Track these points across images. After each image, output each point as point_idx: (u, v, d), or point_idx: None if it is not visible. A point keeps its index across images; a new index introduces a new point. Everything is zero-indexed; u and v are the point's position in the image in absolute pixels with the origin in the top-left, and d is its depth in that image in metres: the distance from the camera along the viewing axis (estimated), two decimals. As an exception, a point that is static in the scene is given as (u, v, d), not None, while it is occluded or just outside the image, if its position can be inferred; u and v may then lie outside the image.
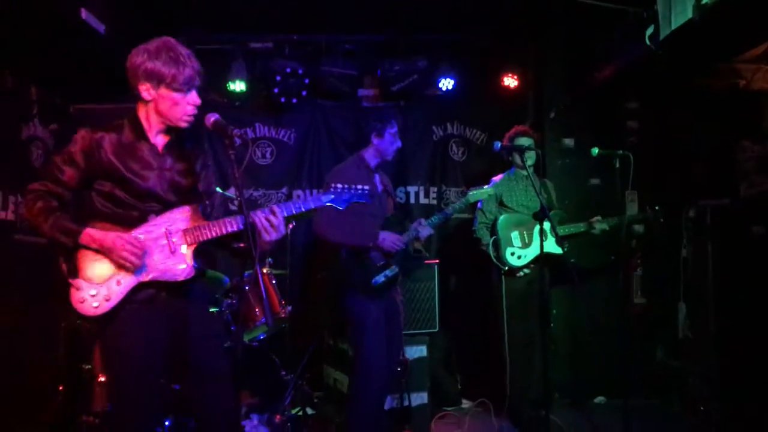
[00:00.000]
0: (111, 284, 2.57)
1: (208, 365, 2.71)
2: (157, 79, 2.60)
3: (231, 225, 2.65)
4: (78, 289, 2.55)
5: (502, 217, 4.85)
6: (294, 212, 2.71)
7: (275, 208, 2.65)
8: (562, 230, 4.82)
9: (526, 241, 4.82)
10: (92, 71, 5.11)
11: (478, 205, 4.96)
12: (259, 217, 2.62)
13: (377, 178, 4.21)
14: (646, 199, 5.78)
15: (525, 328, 4.80)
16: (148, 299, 2.63)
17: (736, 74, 5.58)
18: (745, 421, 4.64)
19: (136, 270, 2.58)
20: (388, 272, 4.04)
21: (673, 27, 4.08)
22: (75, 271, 2.57)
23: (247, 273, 4.42)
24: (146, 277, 2.61)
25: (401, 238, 4.07)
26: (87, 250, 2.57)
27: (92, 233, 2.56)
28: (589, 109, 5.88)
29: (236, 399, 2.98)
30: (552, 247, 4.66)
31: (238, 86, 5.59)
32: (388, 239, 4.01)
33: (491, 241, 4.85)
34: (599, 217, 4.83)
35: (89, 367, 4.08)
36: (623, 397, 4.34)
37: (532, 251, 4.77)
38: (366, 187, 2.87)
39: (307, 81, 5.64)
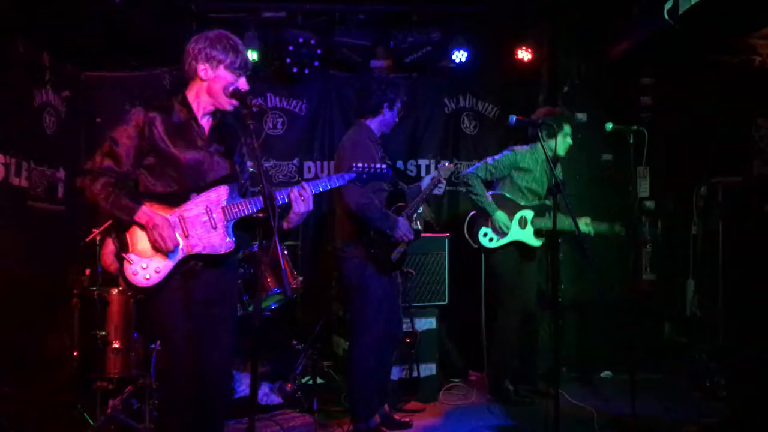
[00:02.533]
0: (159, 257, 2.77)
1: (222, 334, 2.98)
2: (216, 61, 2.82)
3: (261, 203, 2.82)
4: (130, 262, 2.75)
5: (486, 195, 4.84)
6: (321, 190, 2.94)
7: (305, 185, 2.88)
8: (544, 223, 4.81)
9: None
10: (105, 39, 5.09)
11: (488, 159, 4.92)
12: (294, 191, 2.85)
13: (380, 150, 4.20)
14: (658, 175, 5.78)
15: (519, 304, 4.86)
16: (190, 270, 2.85)
17: (753, 51, 5.53)
18: (751, 397, 4.68)
19: (170, 251, 2.77)
20: (400, 248, 4.09)
21: (693, 1, 4.03)
22: (126, 246, 2.77)
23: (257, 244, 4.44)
24: (191, 251, 2.81)
25: (411, 230, 4.10)
26: (139, 228, 2.76)
27: (146, 210, 2.74)
28: (602, 84, 5.83)
29: (232, 363, 3.36)
30: (528, 237, 4.80)
31: (250, 56, 5.48)
32: (403, 228, 4.03)
33: (468, 216, 4.93)
34: (586, 219, 4.80)
35: (103, 333, 4.12)
36: (630, 372, 4.37)
37: (506, 238, 4.82)
38: (384, 166, 3.04)
39: (319, 51, 5.59)
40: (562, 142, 4.79)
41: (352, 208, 3.96)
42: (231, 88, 2.80)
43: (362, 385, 4.07)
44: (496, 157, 4.91)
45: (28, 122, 4.85)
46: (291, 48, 5.54)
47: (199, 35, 2.87)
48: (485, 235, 4.84)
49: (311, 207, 2.88)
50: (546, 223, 4.79)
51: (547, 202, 4.86)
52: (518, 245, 4.85)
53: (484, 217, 4.85)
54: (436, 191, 4.30)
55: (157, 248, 2.75)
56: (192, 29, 5.47)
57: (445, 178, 4.27)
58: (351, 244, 4.06)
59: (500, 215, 4.76)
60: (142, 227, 2.75)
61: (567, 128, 4.82)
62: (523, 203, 4.87)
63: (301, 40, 5.52)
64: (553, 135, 4.65)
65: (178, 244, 2.77)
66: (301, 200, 2.84)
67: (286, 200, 2.84)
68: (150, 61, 5.64)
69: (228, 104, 2.86)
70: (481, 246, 4.86)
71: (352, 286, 4.10)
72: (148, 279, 2.75)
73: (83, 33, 4.97)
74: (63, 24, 4.73)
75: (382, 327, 4.07)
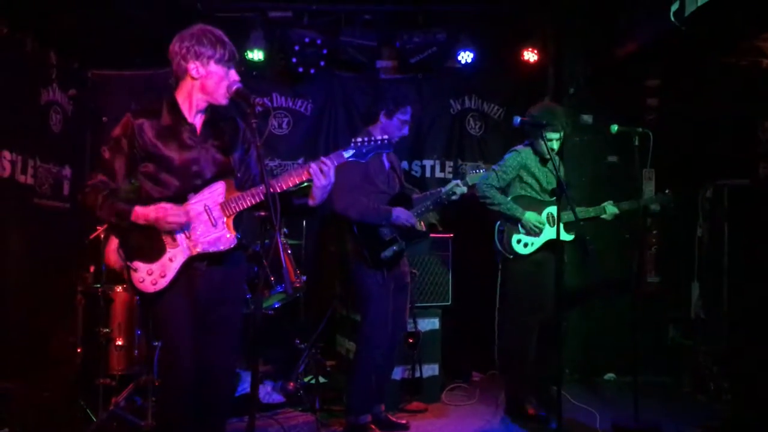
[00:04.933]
0: (164, 261, 2.81)
1: (225, 335, 3.00)
2: (206, 57, 2.82)
3: (262, 193, 2.83)
4: (136, 270, 2.80)
5: (508, 200, 4.57)
6: (328, 165, 2.89)
7: (324, 159, 2.88)
8: (570, 216, 4.52)
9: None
10: (111, 38, 5.12)
11: (493, 166, 4.67)
12: (312, 166, 2.86)
13: (384, 155, 4.21)
14: (663, 177, 5.75)
15: (530, 313, 4.50)
16: (195, 271, 2.86)
17: (759, 53, 5.50)
18: (755, 401, 4.66)
19: (181, 234, 2.81)
20: (395, 247, 4.10)
21: (700, 3, 4.02)
22: (131, 254, 2.82)
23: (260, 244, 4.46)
24: (195, 251, 2.83)
25: (412, 215, 4.12)
26: (140, 235, 2.80)
27: (139, 210, 2.78)
28: (608, 86, 5.82)
29: (235, 363, 3.32)
30: (561, 233, 4.59)
31: (256, 55, 5.56)
32: (402, 216, 4.07)
33: (496, 227, 4.60)
34: (611, 202, 4.61)
35: (107, 330, 4.14)
36: (633, 375, 4.36)
37: (540, 238, 4.52)
38: (386, 137, 3.06)
39: (325, 51, 5.61)
40: (543, 149, 4.50)
41: (337, 212, 4.02)
42: (234, 88, 2.81)
43: (360, 380, 4.10)
44: (501, 162, 4.68)
45: (35, 120, 4.88)
46: (297, 48, 5.55)
47: (180, 34, 2.86)
48: (519, 242, 4.50)
49: (332, 179, 2.88)
50: (572, 215, 4.51)
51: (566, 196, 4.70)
52: (549, 245, 4.54)
53: (512, 224, 4.53)
54: (455, 197, 4.26)
55: (174, 231, 2.79)
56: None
57: (470, 184, 4.30)
58: (347, 243, 4.10)
59: (530, 215, 4.49)
60: (143, 230, 2.79)
61: (547, 136, 4.47)
62: (544, 199, 4.63)
63: (307, 39, 5.53)
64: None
65: (187, 220, 2.79)
66: (321, 174, 2.85)
67: (305, 177, 2.86)
68: (156, 61, 5.61)
69: (224, 98, 2.87)
70: (517, 255, 4.51)
71: (353, 285, 4.16)
72: (155, 285, 2.79)
73: (90, 32, 4.99)
74: (70, 22, 4.76)
75: (385, 326, 4.09)
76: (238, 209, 2.86)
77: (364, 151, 2.98)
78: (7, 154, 4.46)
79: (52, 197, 5.04)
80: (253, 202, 2.86)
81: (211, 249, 2.85)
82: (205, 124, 2.95)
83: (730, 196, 5.25)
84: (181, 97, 2.91)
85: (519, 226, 4.52)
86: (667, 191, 4.74)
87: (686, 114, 5.79)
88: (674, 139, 5.57)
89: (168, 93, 2.93)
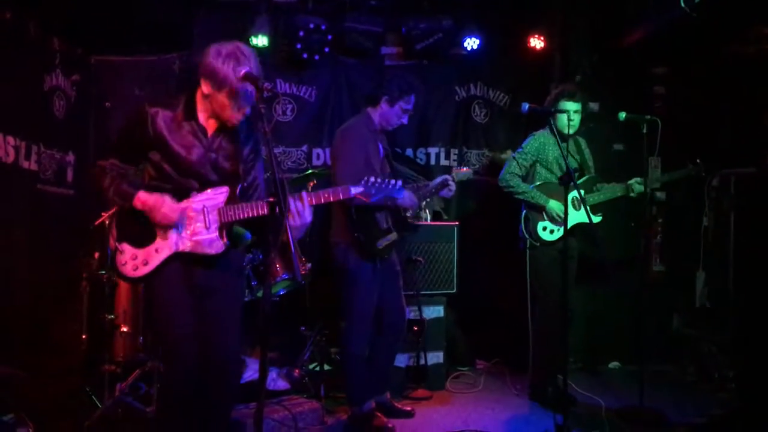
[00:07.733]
0: (150, 251, 2.85)
1: (224, 321, 3.00)
2: (218, 84, 2.75)
3: (263, 208, 2.80)
4: (122, 252, 2.86)
5: (532, 188, 4.59)
6: (322, 201, 2.83)
7: (303, 195, 2.75)
8: (596, 197, 4.61)
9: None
10: (114, 23, 5.09)
11: (512, 154, 4.71)
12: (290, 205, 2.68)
13: (379, 143, 4.19)
14: (669, 165, 5.72)
15: (556, 299, 4.39)
16: (182, 265, 2.88)
17: (767, 40, 5.46)
18: (759, 390, 4.66)
19: (173, 229, 2.83)
20: (389, 237, 4.08)
21: (710, -11, 3.99)
22: (122, 236, 2.88)
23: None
24: (182, 248, 2.85)
25: (417, 199, 4.15)
26: (135, 219, 2.83)
27: (142, 195, 2.81)
28: (615, 73, 5.78)
29: (238, 350, 3.23)
30: (584, 216, 4.52)
31: (260, 41, 5.50)
32: (408, 198, 4.07)
33: (523, 215, 4.61)
34: (637, 179, 4.59)
35: (111, 317, 4.14)
36: (638, 364, 4.36)
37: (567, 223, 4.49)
38: (399, 182, 2.88)
39: (330, 37, 5.55)
40: (563, 123, 4.49)
41: None
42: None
43: (352, 370, 4.11)
44: (519, 149, 4.69)
45: (38, 106, 4.85)
46: (301, 33, 5.50)
47: (214, 46, 2.77)
48: (545, 228, 4.54)
49: (308, 220, 2.76)
50: (599, 196, 4.62)
51: (592, 176, 4.71)
52: (575, 229, 4.60)
53: (536, 211, 4.57)
54: (444, 193, 4.36)
55: (163, 226, 2.81)
56: (200, 15, 5.47)
57: (456, 182, 4.35)
58: (339, 228, 4.08)
59: (553, 204, 4.51)
60: (139, 216, 2.82)
61: (564, 105, 4.52)
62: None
63: (311, 25, 5.47)
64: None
65: (178, 220, 2.80)
66: (296, 215, 2.72)
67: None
68: (160, 47, 5.61)
69: (229, 122, 2.85)
70: (543, 241, 4.53)
71: (339, 272, 4.13)
72: (135, 271, 2.83)
73: (93, 17, 4.96)
74: (73, 8, 4.73)
75: (370, 314, 4.09)
76: (235, 217, 2.83)
77: (373, 191, 2.85)
78: (11, 139, 4.43)
79: (56, 183, 5.02)
80: (252, 214, 2.81)
81: (198, 250, 2.86)
82: (219, 128, 2.92)
83: (737, 185, 5.23)
84: (199, 96, 2.88)
85: (543, 213, 4.55)
86: (698, 161, 4.70)
87: (693, 102, 5.75)
88: (681, 127, 5.54)
89: (189, 89, 2.91)
